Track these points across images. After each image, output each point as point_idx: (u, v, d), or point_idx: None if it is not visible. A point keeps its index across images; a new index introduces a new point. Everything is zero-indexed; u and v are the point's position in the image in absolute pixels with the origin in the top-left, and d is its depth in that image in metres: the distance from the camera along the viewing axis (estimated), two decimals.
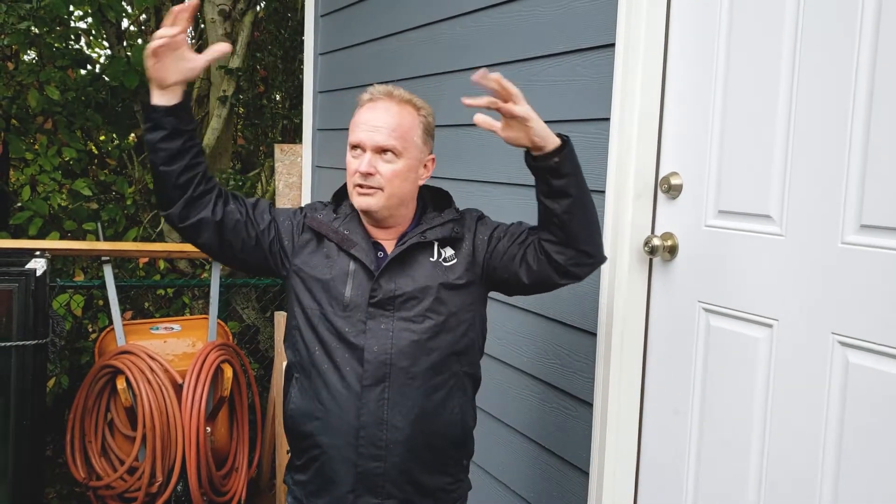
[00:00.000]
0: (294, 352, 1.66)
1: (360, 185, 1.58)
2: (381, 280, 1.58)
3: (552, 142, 1.45)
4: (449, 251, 1.63)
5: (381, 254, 1.64)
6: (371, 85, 1.66)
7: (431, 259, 1.62)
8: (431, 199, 1.73)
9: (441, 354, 1.60)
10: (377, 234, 1.66)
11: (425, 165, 1.65)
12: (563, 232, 1.52)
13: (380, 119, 1.58)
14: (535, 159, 1.47)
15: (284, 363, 1.71)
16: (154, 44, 1.44)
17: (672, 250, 1.74)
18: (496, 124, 1.45)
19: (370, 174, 1.56)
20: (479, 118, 1.44)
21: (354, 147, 1.60)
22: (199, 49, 5.39)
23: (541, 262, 1.57)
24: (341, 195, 1.73)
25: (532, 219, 2.11)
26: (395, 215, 1.64)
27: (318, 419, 1.59)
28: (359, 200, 1.59)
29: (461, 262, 1.63)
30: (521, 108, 1.41)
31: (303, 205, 1.74)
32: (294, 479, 1.69)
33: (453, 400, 1.63)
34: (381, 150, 1.57)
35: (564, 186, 1.47)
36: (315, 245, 1.64)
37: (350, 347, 1.57)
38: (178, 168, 1.54)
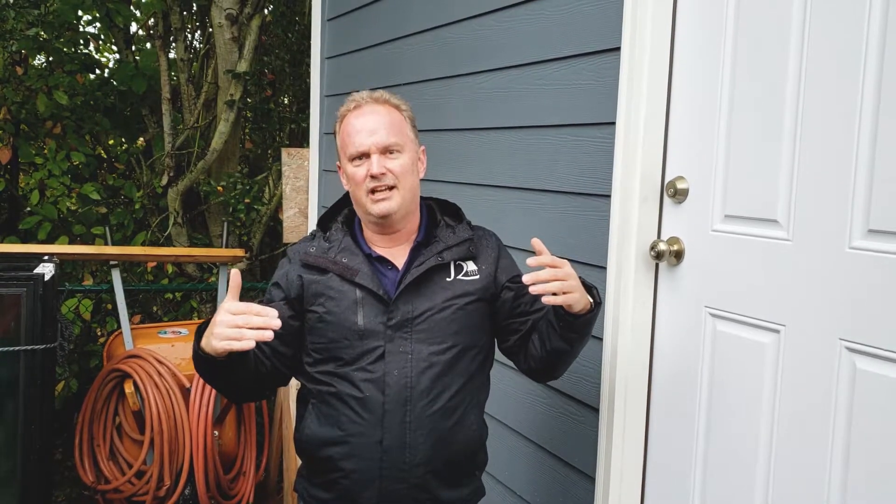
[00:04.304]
0: (310, 381, 1.63)
1: (375, 190, 1.56)
2: (398, 302, 1.57)
3: (583, 307, 1.50)
4: (471, 266, 1.64)
5: (389, 267, 1.62)
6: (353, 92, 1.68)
7: (448, 279, 1.61)
8: (440, 210, 1.72)
9: (461, 373, 1.60)
10: (383, 243, 1.64)
11: (419, 158, 1.67)
12: (548, 355, 1.59)
13: (373, 121, 1.58)
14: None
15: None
16: (257, 334, 1.35)
17: (678, 255, 1.74)
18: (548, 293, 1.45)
19: (382, 174, 1.56)
20: (536, 289, 1.43)
21: (357, 158, 1.59)
22: (207, 54, 5.35)
23: (520, 352, 1.66)
24: (326, 221, 1.72)
25: (535, 221, 2.12)
26: (409, 215, 1.63)
27: (340, 445, 1.57)
28: (377, 207, 1.57)
29: (483, 278, 1.63)
30: (572, 296, 1.45)
31: (287, 252, 1.71)
32: (311, 494, 1.66)
33: (470, 416, 1.63)
34: (386, 150, 1.57)
35: (570, 339, 1.54)
36: (318, 283, 1.61)
37: (370, 373, 1.55)
38: (254, 381, 1.58)
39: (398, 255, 1.64)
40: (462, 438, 1.61)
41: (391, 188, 1.57)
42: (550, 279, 1.42)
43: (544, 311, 1.62)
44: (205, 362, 1.45)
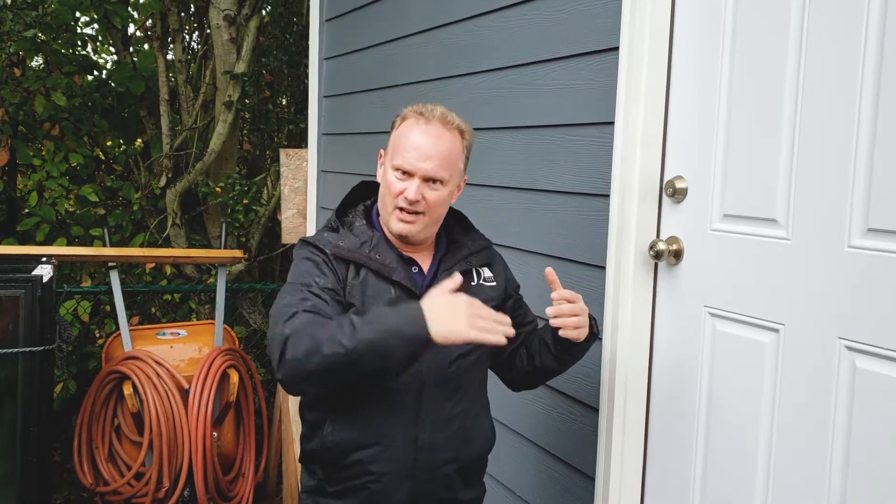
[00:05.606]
0: (332, 386, 1.56)
1: (403, 210, 1.55)
2: None
3: (583, 336, 1.59)
4: (487, 272, 1.70)
5: (414, 269, 1.61)
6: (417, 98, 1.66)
7: (473, 283, 1.65)
8: (453, 219, 1.73)
9: (480, 375, 1.66)
10: (407, 249, 1.63)
11: (458, 186, 1.66)
12: (535, 371, 1.70)
13: (433, 148, 1.55)
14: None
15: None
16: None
17: (677, 254, 1.74)
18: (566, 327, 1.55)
19: (417, 201, 1.55)
20: (558, 322, 1.54)
21: (401, 171, 1.56)
22: (205, 55, 5.33)
23: (504, 365, 1.74)
24: (343, 212, 1.69)
25: (534, 222, 2.12)
26: (429, 236, 1.65)
27: (372, 447, 1.54)
28: (399, 226, 1.57)
29: (499, 285, 1.70)
30: (582, 330, 1.56)
31: (311, 241, 1.63)
32: None
33: (484, 417, 1.68)
34: (430, 180, 1.56)
35: (564, 361, 1.66)
36: (355, 280, 1.56)
37: (406, 372, 1.52)
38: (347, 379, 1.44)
39: (421, 258, 1.64)
40: (480, 438, 1.66)
41: (418, 213, 1.56)
42: (570, 314, 1.53)
43: (534, 328, 1.70)
44: (402, 345, 1.35)
